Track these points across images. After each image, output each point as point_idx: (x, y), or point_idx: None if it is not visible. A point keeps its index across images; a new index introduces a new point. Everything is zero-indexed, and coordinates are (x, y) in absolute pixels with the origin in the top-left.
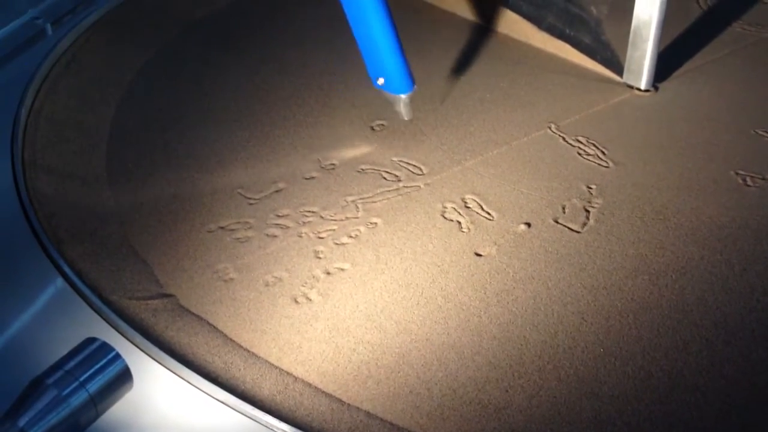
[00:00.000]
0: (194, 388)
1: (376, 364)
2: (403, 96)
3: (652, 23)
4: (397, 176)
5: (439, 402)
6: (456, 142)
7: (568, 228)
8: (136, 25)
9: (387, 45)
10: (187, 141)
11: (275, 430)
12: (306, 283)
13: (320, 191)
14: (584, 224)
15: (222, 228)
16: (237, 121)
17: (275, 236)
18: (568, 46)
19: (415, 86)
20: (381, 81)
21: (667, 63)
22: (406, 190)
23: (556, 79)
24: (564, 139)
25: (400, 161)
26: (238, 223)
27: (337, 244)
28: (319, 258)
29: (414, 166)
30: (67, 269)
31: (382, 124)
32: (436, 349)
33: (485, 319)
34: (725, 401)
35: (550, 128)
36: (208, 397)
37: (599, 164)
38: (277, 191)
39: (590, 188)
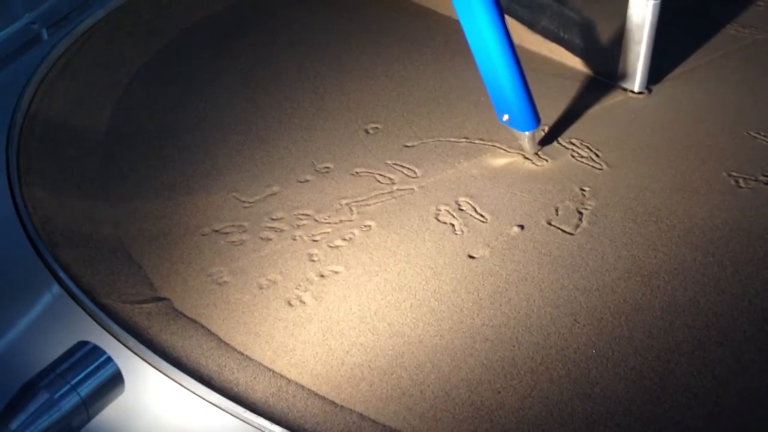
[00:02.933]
0: (187, 390)
1: (369, 366)
2: (527, 133)
3: (645, 26)
4: (391, 179)
5: (431, 404)
6: (450, 145)
7: (561, 230)
8: (132, 29)
9: (512, 85)
10: (182, 145)
11: None
12: (300, 285)
13: (314, 194)
14: (577, 226)
15: (216, 231)
16: (232, 125)
17: (269, 239)
18: (562, 49)
19: (540, 124)
20: (506, 117)
21: (660, 65)
22: (400, 192)
23: (550, 82)
24: (558, 141)
25: (394, 164)
26: (233, 226)
27: (331, 247)
28: (313, 261)
29: (408, 168)
30: (61, 273)
31: (377, 127)
32: (429, 351)
33: (478, 321)
34: (717, 402)
35: (543, 130)
36: (202, 399)
37: (593, 166)
38: (271, 194)
39: (583, 190)
